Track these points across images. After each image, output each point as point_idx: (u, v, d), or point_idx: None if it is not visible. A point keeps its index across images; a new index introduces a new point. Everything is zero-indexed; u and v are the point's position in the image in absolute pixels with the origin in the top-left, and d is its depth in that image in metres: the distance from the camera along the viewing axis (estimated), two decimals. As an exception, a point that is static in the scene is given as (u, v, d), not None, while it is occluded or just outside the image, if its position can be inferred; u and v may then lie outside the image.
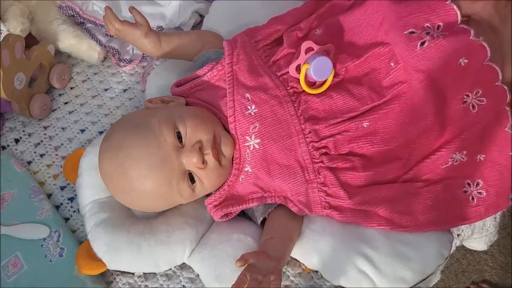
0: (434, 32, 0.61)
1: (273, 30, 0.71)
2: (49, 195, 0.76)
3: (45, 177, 0.78)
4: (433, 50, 0.60)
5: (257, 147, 0.65)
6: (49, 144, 0.81)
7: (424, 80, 0.61)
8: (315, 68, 0.63)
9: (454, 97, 0.62)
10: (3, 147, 0.81)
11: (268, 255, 0.59)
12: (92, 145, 0.75)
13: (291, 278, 0.68)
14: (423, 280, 0.63)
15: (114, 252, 0.66)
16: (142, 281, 0.69)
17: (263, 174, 0.65)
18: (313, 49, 0.64)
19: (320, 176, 0.64)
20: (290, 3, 0.81)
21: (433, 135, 0.64)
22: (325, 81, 0.65)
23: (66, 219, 0.74)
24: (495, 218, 0.73)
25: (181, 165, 0.62)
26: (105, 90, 0.87)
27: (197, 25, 0.93)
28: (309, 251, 0.66)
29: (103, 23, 0.82)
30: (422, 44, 0.60)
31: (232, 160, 0.66)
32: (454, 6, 0.60)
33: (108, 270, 0.68)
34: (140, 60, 0.89)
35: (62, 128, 0.83)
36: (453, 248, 0.67)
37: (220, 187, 0.67)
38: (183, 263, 0.68)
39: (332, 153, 0.64)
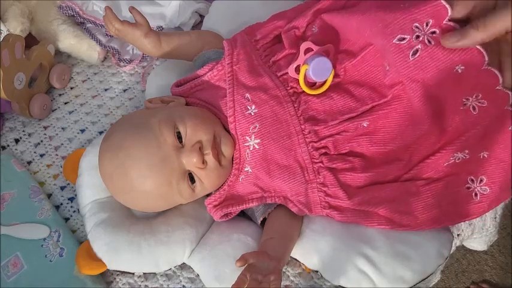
0: (424, 33, 0.56)
1: (273, 27, 0.71)
2: (49, 195, 0.76)
3: (45, 177, 0.78)
4: (427, 59, 0.56)
5: (257, 147, 0.65)
6: (49, 144, 0.81)
7: (419, 89, 0.59)
8: (314, 69, 0.63)
9: (452, 103, 0.60)
10: (3, 147, 0.81)
11: (268, 255, 0.59)
12: (92, 145, 0.75)
13: (291, 278, 0.68)
14: (423, 280, 0.63)
15: (114, 252, 0.66)
16: (142, 281, 0.69)
17: (263, 174, 0.65)
18: (312, 50, 0.64)
19: (320, 176, 0.64)
20: (290, 3, 0.81)
21: (432, 138, 0.63)
22: (324, 82, 0.65)
23: (66, 219, 0.74)
24: (495, 218, 0.73)
25: (181, 165, 0.63)
26: (105, 90, 0.87)
27: (197, 25, 0.93)
28: (309, 251, 0.66)
29: (103, 23, 0.82)
30: (415, 53, 0.56)
31: (232, 160, 0.66)
32: (442, 0, 0.54)
33: (108, 270, 0.68)
34: (140, 60, 0.89)
35: (62, 128, 0.83)
36: (453, 248, 0.67)
37: (220, 187, 0.67)
38: (183, 263, 0.69)
39: (332, 153, 0.64)
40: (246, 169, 0.66)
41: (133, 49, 0.91)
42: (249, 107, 0.65)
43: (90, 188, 0.72)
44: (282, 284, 0.60)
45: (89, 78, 0.89)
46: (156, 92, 0.80)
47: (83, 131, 0.83)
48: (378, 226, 0.64)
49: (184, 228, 0.68)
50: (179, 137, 0.63)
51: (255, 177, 0.66)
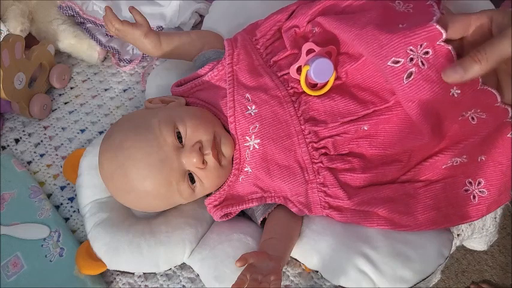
0: (418, 55, 0.55)
1: (273, 22, 0.71)
2: (49, 195, 0.76)
3: (45, 177, 0.78)
4: (421, 82, 0.56)
5: (257, 147, 0.65)
6: (49, 144, 0.81)
7: (415, 108, 0.58)
8: (315, 70, 0.63)
9: (451, 117, 0.60)
10: (3, 147, 0.81)
11: (268, 255, 0.59)
12: (92, 145, 0.75)
13: (291, 278, 0.68)
14: (423, 280, 0.63)
15: (114, 252, 0.66)
16: (142, 281, 0.69)
17: (263, 174, 0.65)
18: (314, 50, 0.64)
19: (320, 177, 0.64)
20: (290, 3, 0.81)
21: (431, 144, 0.63)
22: (326, 83, 0.64)
23: (66, 219, 0.74)
24: (495, 218, 0.73)
25: (181, 166, 0.63)
26: (105, 90, 0.87)
27: (197, 25, 0.93)
28: (309, 251, 0.66)
29: (103, 23, 0.82)
30: (409, 76, 0.56)
31: (232, 160, 0.66)
32: (437, 25, 0.54)
33: (108, 270, 0.68)
34: (140, 60, 0.89)
35: (62, 128, 0.83)
36: (453, 247, 0.67)
37: (220, 187, 0.67)
38: (183, 263, 0.68)
39: (331, 153, 0.64)
40: (246, 169, 0.66)
41: (133, 49, 0.91)
42: (249, 107, 0.65)
43: (90, 188, 0.72)
44: (282, 284, 0.60)
45: (89, 78, 0.89)
46: (156, 92, 0.80)
47: (83, 131, 0.83)
48: (377, 226, 0.64)
49: (184, 228, 0.68)
50: (179, 137, 0.63)
51: (255, 178, 0.66)
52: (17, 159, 0.79)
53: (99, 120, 0.84)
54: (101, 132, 0.82)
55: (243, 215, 0.72)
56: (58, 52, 0.89)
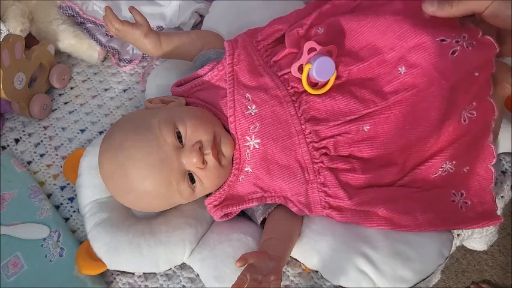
0: (462, 40, 0.63)
1: (274, 30, 0.71)
2: (49, 195, 0.76)
3: (45, 177, 0.78)
4: (462, 61, 0.62)
5: (257, 147, 0.65)
6: (49, 144, 0.81)
7: (446, 88, 0.63)
8: (317, 68, 0.62)
9: (458, 109, 0.65)
10: (3, 147, 0.81)
11: (268, 255, 0.59)
12: (92, 145, 0.75)
13: (291, 278, 0.68)
14: (423, 280, 0.63)
15: (114, 252, 0.66)
16: (142, 281, 0.69)
17: (263, 174, 0.65)
18: (315, 49, 0.64)
19: (320, 177, 0.64)
20: (291, 3, 0.81)
21: (430, 142, 0.65)
22: (327, 82, 0.64)
23: (66, 219, 0.74)
24: (495, 218, 0.73)
25: (181, 165, 0.62)
26: (105, 90, 0.87)
27: (197, 25, 0.93)
28: (309, 251, 0.66)
29: (103, 23, 0.82)
30: (453, 53, 0.62)
31: (232, 160, 0.66)
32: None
33: (108, 270, 0.68)
34: (140, 60, 0.89)
35: (62, 128, 0.83)
36: (453, 247, 0.67)
37: (220, 187, 0.67)
38: (183, 263, 0.68)
39: (332, 153, 0.64)
40: (246, 169, 0.66)
41: (133, 49, 0.91)
42: (249, 107, 0.65)
43: (90, 188, 0.72)
44: (282, 284, 0.60)
45: (89, 78, 0.89)
46: (156, 92, 0.80)
47: (83, 131, 0.83)
48: (377, 226, 0.64)
49: (184, 228, 0.68)
50: (179, 137, 0.63)
51: (255, 177, 0.66)
52: (17, 159, 0.79)
53: (99, 120, 0.84)
54: (101, 132, 0.82)
55: (243, 215, 0.72)
56: (58, 52, 0.89)
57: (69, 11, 0.89)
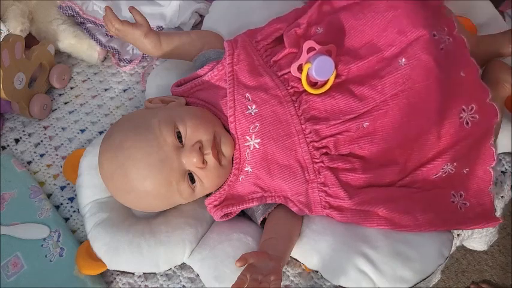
0: (445, 36, 0.66)
1: (274, 29, 0.71)
2: (49, 195, 0.76)
3: (45, 177, 0.78)
4: (449, 55, 0.65)
5: (257, 147, 0.65)
6: (49, 144, 0.81)
7: (442, 80, 0.64)
8: (317, 68, 0.62)
9: (455, 106, 0.65)
10: (3, 147, 0.81)
11: (268, 255, 0.59)
12: (92, 145, 0.75)
13: (291, 278, 0.68)
14: (423, 280, 0.63)
15: (114, 252, 0.66)
16: (142, 281, 0.69)
17: (263, 174, 0.65)
18: (314, 49, 0.64)
19: (320, 176, 0.64)
20: (290, 3, 0.81)
21: (430, 140, 0.65)
22: (326, 81, 0.64)
23: (66, 219, 0.74)
24: (495, 218, 0.73)
25: (181, 165, 0.62)
26: (105, 90, 0.87)
27: (197, 25, 0.93)
28: (309, 251, 0.66)
29: (103, 23, 0.82)
30: (442, 48, 0.65)
31: (232, 160, 0.66)
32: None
33: (108, 270, 0.68)
34: (140, 60, 0.89)
35: (62, 128, 0.83)
36: (453, 247, 0.67)
37: (220, 187, 0.67)
38: (183, 263, 0.68)
39: (332, 153, 0.64)
40: (246, 169, 0.66)
41: (133, 49, 0.91)
42: (249, 107, 0.65)
43: (90, 188, 0.72)
44: (282, 284, 0.60)
45: (89, 78, 0.89)
46: (156, 92, 0.80)
47: (83, 131, 0.83)
48: (377, 226, 0.64)
49: (184, 228, 0.68)
50: (179, 137, 0.63)
51: (255, 177, 0.66)
52: (17, 159, 0.79)
53: (99, 120, 0.84)
54: (101, 132, 0.82)
55: (243, 215, 0.72)
56: (58, 52, 0.89)
57: (69, 11, 0.89)
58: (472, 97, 0.66)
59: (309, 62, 0.63)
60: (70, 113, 0.85)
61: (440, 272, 0.73)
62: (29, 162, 0.80)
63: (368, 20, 0.67)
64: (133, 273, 0.70)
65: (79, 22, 0.91)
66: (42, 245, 0.69)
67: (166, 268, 0.68)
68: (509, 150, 0.75)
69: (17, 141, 0.82)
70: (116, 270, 0.69)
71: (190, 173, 0.64)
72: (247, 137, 0.65)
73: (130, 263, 0.67)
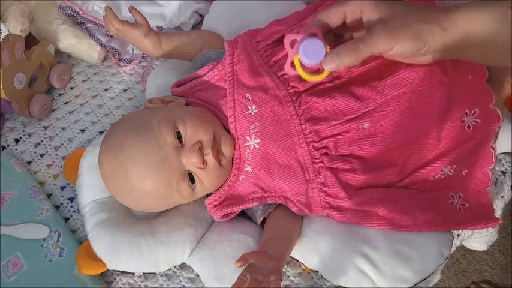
0: None
1: (274, 31, 0.71)
2: (49, 195, 0.76)
3: (45, 177, 0.78)
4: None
5: (257, 147, 0.65)
6: (49, 144, 0.81)
7: (446, 84, 0.63)
8: (305, 52, 0.58)
9: (458, 110, 0.65)
10: (3, 147, 0.81)
11: (268, 255, 0.59)
12: (92, 145, 0.75)
13: (291, 278, 0.68)
14: (423, 280, 0.63)
15: (114, 252, 0.66)
16: (142, 281, 0.69)
17: (263, 174, 0.65)
18: (296, 40, 0.59)
19: (320, 176, 0.64)
20: (290, 3, 0.81)
21: (430, 143, 0.65)
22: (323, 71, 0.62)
23: (66, 219, 0.74)
24: (495, 218, 0.73)
25: (181, 165, 0.62)
26: (105, 90, 0.87)
27: (197, 25, 0.93)
28: (309, 251, 0.66)
29: (103, 23, 0.82)
30: None
31: (232, 160, 0.66)
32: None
33: (108, 270, 0.68)
34: (140, 60, 0.89)
35: (62, 128, 0.83)
36: (453, 247, 0.67)
37: (220, 187, 0.67)
38: (183, 263, 0.68)
39: (332, 153, 0.64)
40: (246, 169, 0.66)
41: (133, 49, 0.91)
42: (249, 107, 0.65)
43: (90, 188, 0.72)
44: (282, 284, 0.60)
45: (89, 78, 0.89)
46: (156, 92, 0.80)
47: (83, 131, 0.83)
48: (377, 226, 0.64)
49: (184, 228, 0.68)
50: (179, 137, 0.63)
51: (255, 177, 0.66)
52: (17, 159, 0.79)
53: (99, 120, 0.84)
54: (101, 132, 0.82)
55: (243, 215, 0.72)
56: (58, 52, 0.89)
57: (69, 11, 0.89)
58: (476, 101, 0.66)
59: (297, 53, 0.59)
60: (70, 113, 0.85)
61: (440, 272, 0.73)
62: (29, 162, 0.80)
63: None
64: (133, 273, 0.70)
65: (79, 22, 0.91)
66: (42, 245, 0.69)
67: (166, 268, 0.68)
68: (509, 150, 0.75)
69: (17, 141, 0.82)
70: (116, 270, 0.69)
71: (190, 173, 0.64)
72: (247, 137, 0.65)
73: (130, 263, 0.67)
